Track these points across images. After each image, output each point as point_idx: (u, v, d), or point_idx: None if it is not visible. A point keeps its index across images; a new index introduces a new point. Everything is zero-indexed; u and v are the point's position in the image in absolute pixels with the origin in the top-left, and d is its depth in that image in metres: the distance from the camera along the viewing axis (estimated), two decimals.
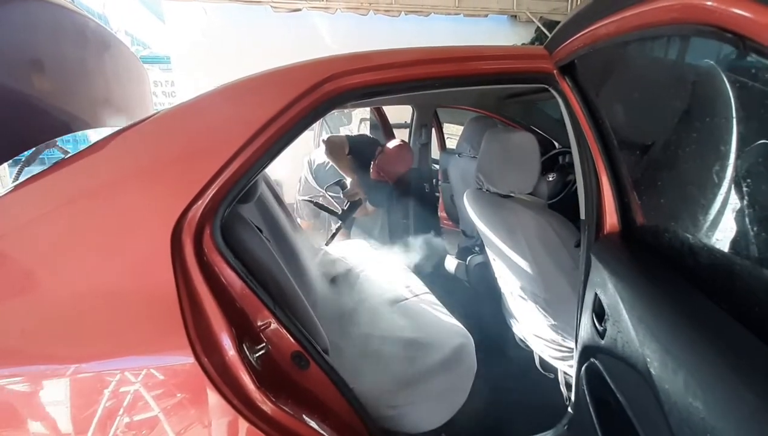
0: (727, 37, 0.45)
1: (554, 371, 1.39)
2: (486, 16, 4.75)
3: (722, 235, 0.61)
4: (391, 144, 2.29)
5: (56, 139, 1.01)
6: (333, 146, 2.20)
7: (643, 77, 0.76)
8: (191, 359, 0.68)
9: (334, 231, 2.15)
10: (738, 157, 0.56)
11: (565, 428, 1.14)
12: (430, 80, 0.96)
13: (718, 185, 0.60)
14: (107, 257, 0.71)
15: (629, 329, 0.67)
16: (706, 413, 0.47)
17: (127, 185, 0.74)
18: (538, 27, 5.08)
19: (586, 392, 0.83)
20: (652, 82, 0.75)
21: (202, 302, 0.73)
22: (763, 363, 0.46)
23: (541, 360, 1.45)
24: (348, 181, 2.21)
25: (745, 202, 0.56)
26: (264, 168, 0.85)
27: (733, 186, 0.57)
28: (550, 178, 1.97)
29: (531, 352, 1.49)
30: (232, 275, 0.80)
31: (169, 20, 4.23)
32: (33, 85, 0.97)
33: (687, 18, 0.51)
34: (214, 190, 0.77)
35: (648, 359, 0.61)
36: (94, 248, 0.71)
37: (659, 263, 0.71)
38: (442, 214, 2.95)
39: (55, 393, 0.67)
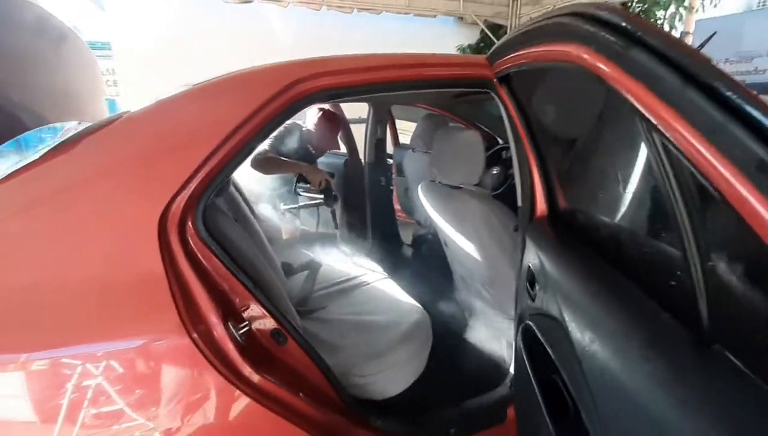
0: (594, 76, 0.61)
1: (499, 343, 1.59)
2: (435, 16, 4.96)
3: (621, 215, 0.80)
4: (311, 120, 2.18)
5: None
6: (261, 164, 1.96)
7: (561, 92, 0.94)
8: (185, 337, 0.75)
9: (332, 214, 2.21)
10: (628, 156, 0.74)
11: (508, 386, 1.32)
12: (389, 84, 1.08)
13: (617, 177, 0.78)
14: (100, 246, 0.76)
15: (552, 291, 0.84)
16: (602, 353, 0.63)
17: (114, 179, 0.79)
18: (482, 29, 5.39)
19: (522, 349, 1.00)
20: (567, 96, 0.92)
21: (189, 286, 0.80)
22: (647, 311, 0.63)
23: (487, 332, 1.64)
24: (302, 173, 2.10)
25: (636, 190, 0.74)
26: (241, 163, 0.92)
27: (627, 179, 0.75)
28: (494, 172, 2.19)
29: (479, 325, 1.67)
30: (215, 260, 0.87)
31: (110, 7, 3.96)
32: None
33: (567, 60, 0.68)
34: (196, 183, 0.84)
35: (565, 314, 0.78)
36: (87, 238, 0.75)
37: (575, 238, 0.89)
38: (396, 206, 3.10)
39: (63, 375, 0.71)
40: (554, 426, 0.75)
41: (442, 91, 1.47)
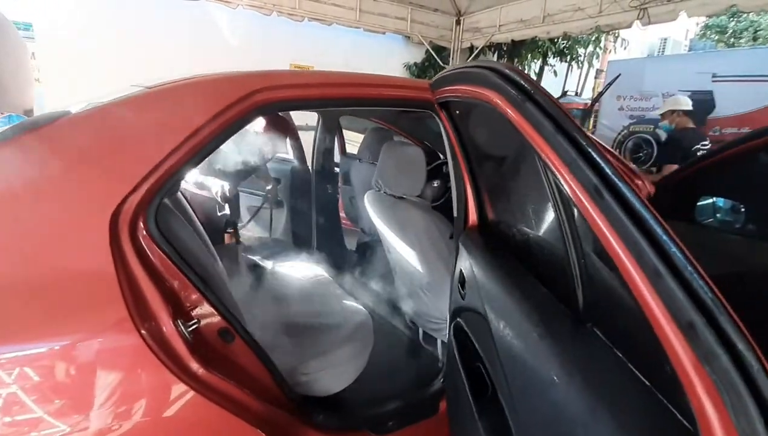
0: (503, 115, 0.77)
1: (434, 343, 1.72)
2: (384, 33, 5.16)
3: (533, 226, 0.96)
4: (259, 124, 2.34)
5: None
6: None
7: (485, 123, 1.09)
8: (133, 333, 0.76)
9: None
10: (532, 179, 0.89)
11: (441, 381, 1.45)
12: (342, 100, 1.17)
13: (531, 196, 0.94)
14: (50, 244, 0.75)
15: (478, 291, 0.98)
16: (511, 336, 0.77)
17: (66, 177, 0.78)
18: (427, 49, 5.72)
19: (453, 342, 1.13)
20: (490, 127, 1.08)
21: (139, 284, 0.82)
22: (543, 300, 0.78)
23: (424, 335, 1.77)
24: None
25: (537, 206, 0.90)
26: (195, 166, 0.95)
27: (533, 197, 0.91)
28: (435, 184, 2.35)
29: (417, 328, 1.80)
30: (165, 260, 0.89)
31: None
32: None
33: (482, 99, 0.83)
34: (149, 184, 0.86)
35: (486, 308, 0.91)
36: (37, 236, 0.74)
37: (499, 244, 1.04)
38: (341, 214, 3.17)
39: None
40: (475, 403, 0.88)
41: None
